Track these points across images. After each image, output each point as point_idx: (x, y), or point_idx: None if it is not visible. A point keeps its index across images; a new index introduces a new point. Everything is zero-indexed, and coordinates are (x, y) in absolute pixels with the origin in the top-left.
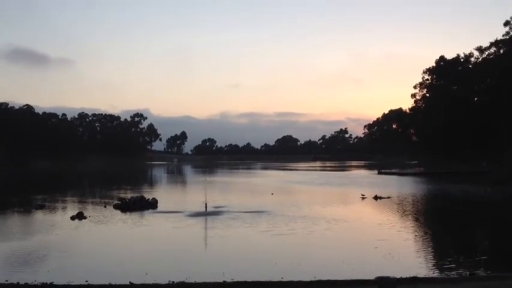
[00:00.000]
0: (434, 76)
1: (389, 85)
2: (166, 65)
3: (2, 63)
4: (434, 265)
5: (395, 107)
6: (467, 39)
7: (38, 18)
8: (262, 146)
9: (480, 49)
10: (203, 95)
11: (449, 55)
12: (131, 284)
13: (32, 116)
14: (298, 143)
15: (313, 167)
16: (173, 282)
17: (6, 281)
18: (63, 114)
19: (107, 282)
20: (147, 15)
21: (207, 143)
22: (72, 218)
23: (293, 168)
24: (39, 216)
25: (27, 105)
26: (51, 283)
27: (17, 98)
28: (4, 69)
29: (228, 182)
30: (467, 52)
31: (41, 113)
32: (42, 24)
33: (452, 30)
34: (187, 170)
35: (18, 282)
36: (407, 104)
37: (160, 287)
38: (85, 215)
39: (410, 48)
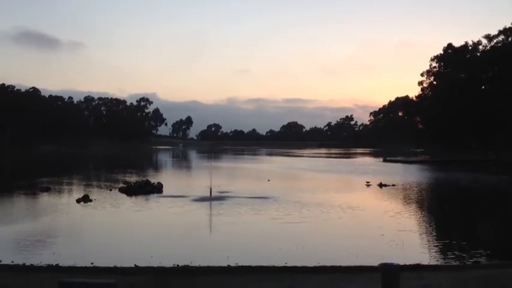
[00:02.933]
0: (442, 64)
1: (400, 72)
2: (176, 50)
3: (11, 45)
4: (438, 253)
5: (405, 94)
6: (476, 27)
7: (49, 0)
8: (267, 132)
9: (488, 37)
10: (211, 80)
11: (459, 43)
12: (136, 266)
13: (38, 99)
14: (304, 130)
15: (318, 153)
16: (178, 265)
17: (12, 262)
18: (70, 98)
19: (112, 265)
20: (158, 0)
21: (213, 129)
22: (78, 200)
23: (298, 154)
24: (45, 198)
25: (33, 87)
26: (57, 265)
27: (25, 80)
28: (13, 52)
29: (232, 167)
30: (475, 40)
31: (47, 96)
32: (53, 7)
33: (462, 18)
34: (192, 155)
35: (24, 264)
36: (415, 91)
37: (165, 270)
38: (90, 198)
39: (422, 36)
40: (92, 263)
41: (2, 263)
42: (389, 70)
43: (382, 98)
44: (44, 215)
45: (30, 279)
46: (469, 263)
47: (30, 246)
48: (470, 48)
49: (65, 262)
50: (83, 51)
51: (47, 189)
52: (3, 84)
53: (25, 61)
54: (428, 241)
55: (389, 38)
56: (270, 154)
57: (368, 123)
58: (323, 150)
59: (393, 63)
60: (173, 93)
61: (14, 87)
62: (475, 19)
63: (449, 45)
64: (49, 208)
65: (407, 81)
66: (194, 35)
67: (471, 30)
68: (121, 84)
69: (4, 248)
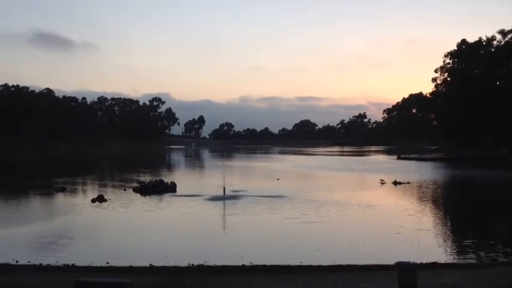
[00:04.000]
0: (456, 60)
1: (413, 69)
2: (189, 49)
3: (25, 47)
4: (454, 251)
5: (419, 91)
6: (490, 22)
7: (62, 2)
8: (280, 131)
9: (503, 32)
10: (224, 79)
11: (473, 39)
12: (151, 266)
13: (52, 100)
14: (316, 128)
15: (331, 151)
16: (192, 264)
17: (29, 262)
18: (83, 98)
19: (127, 264)
20: (171, 0)
21: (225, 127)
22: (93, 200)
23: (311, 153)
24: (60, 198)
25: (47, 88)
26: (73, 264)
27: (39, 81)
28: (27, 53)
29: (245, 166)
30: (489, 35)
31: (61, 97)
32: (67, 9)
33: (475, 13)
34: (205, 154)
35: (40, 264)
36: (429, 88)
37: (180, 269)
38: (105, 197)
39: (435, 32)
40: (107, 263)
41: (19, 263)
42: (403, 67)
43: (396, 95)
44: (60, 215)
45: (46, 279)
46: (485, 261)
47: (46, 247)
48: (484, 43)
49: (80, 262)
50: (96, 52)
51: (62, 189)
52: (18, 86)
53: (39, 62)
54: (445, 239)
55: (402, 34)
56: (283, 153)
57: (381, 120)
58: (336, 148)
59: (406, 59)
60: (186, 92)
61: (28, 88)
62: (489, 15)
63: (463, 41)
64: (64, 208)
65: (421, 78)
66: (207, 34)
67: (485, 25)
68: (135, 84)
69: (21, 248)
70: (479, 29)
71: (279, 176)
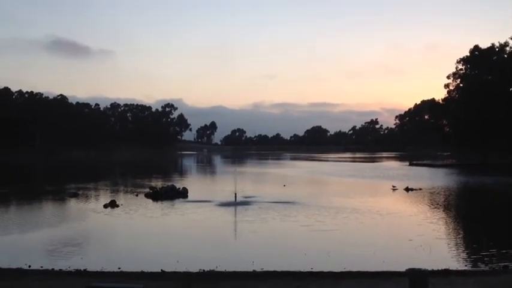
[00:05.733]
0: (469, 66)
1: (428, 75)
2: (203, 56)
3: (42, 53)
4: (466, 258)
5: (431, 97)
6: (504, 28)
7: (80, 9)
8: (291, 137)
9: None
10: (237, 85)
11: (487, 44)
12: (163, 271)
13: (66, 106)
14: (328, 134)
15: (343, 158)
16: (204, 270)
17: (41, 266)
18: (96, 104)
19: (138, 270)
20: (186, 6)
21: (237, 133)
22: (105, 206)
23: (322, 159)
24: (73, 204)
25: (60, 95)
26: (85, 270)
27: (55, 88)
28: (44, 60)
29: (257, 172)
30: (502, 41)
31: (74, 103)
32: (84, 16)
33: (491, 19)
34: (217, 160)
35: (53, 269)
36: (441, 94)
37: (191, 275)
38: (117, 203)
39: (450, 38)
40: (119, 268)
41: (32, 267)
42: (418, 73)
43: (410, 101)
44: (72, 220)
45: (59, 284)
46: (498, 268)
47: (58, 251)
48: (497, 49)
49: (92, 267)
50: (112, 58)
51: (75, 195)
52: (32, 92)
53: (56, 69)
54: (457, 246)
55: (418, 40)
56: (294, 159)
57: (393, 126)
58: (348, 155)
59: (422, 66)
60: (199, 98)
61: (42, 94)
62: (503, 20)
63: (476, 47)
64: (77, 213)
65: (436, 84)
66: (221, 41)
67: (500, 32)
68: (149, 90)
69: (34, 254)
70: (494, 35)
71: (291, 182)
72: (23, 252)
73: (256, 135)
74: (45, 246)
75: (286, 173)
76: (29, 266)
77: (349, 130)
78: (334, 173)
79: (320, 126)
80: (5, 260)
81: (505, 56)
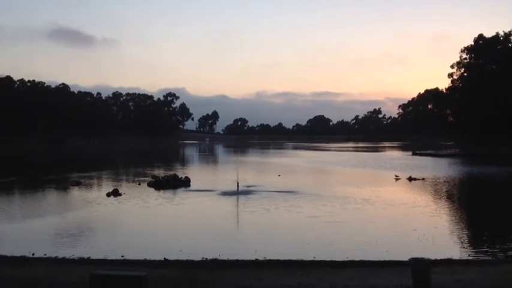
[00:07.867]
0: (473, 55)
1: (433, 64)
2: (207, 45)
3: (45, 42)
4: (469, 247)
5: (435, 86)
6: (509, 17)
7: None
8: (294, 126)
9: None
10: (241, 74)
11: (491, 34)
12: (165, 259)
13: (68, 95)
14: (331, 123)
15: (345, 147)
16: (206, 259)
17: (45, 254)
18: (98, 93)
19: (142, 258)
20: None
21: (239, 123)
22: (108, 194)
23: (325, 148)
24: (76, 193)
25: (63, 84)
26: (89, 258)
27: (58, 77)
28: (47, 49)
29: (259, 162)
30: (506, 30)
31: (76, 92)
32: (87, 4)
33: (496, 9)
34: (219, 149)
35: (56, 257)
36: (445, 84)
37: (194, 263)
38: (120, 192)
39: (456, 28)
40: (122, 256)
41: (36, 255)
42: (422, 62)
43: (414, 91)
44: (75, 209)
45: (62, 272)
46: (500, 257)
47: (62, 240)
48: (501, 39)
49: (96, 255)
50: (116, 47)
51: (78, 184)
52: (34, 81)
53: (59, 58)
54: (460, 235)
55: (422, 30)
56: (297, 148)
57: (396, 116)
58: (350, 144)
59: (427, 55)
60: (202, 87)
61: (44, 83)
62: (510, 10)
63: (480, 36)
64: (80, 202)
65: (440, 73)
66: (224, 30)
67: (506, 21)
68: (152, 79)
69: (37, 241)
70: (500, 24)
71: (292, 172)
72: (27, 240)
73: (259, 124)
74: (49, 235)
75: (288, 162)
76: (33, 254)
77: (352, 119)
78: (336, 163)
79: (323, 116)
80: (9, 248)
81: (510, 45)
